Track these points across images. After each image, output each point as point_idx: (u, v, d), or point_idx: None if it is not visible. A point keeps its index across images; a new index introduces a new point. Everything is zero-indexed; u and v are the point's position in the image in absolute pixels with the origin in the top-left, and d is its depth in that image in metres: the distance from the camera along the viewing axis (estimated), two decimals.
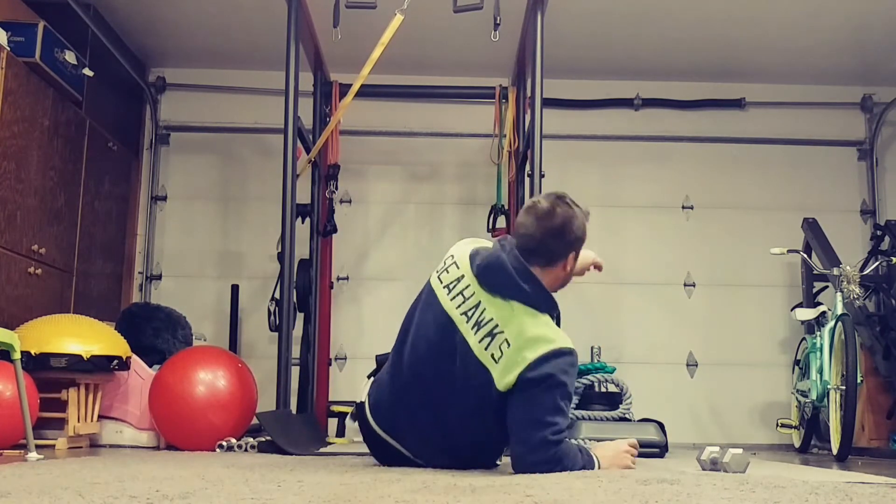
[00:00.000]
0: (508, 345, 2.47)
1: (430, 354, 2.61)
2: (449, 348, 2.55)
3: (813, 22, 5.20)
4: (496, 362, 2.48)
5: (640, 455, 3.43)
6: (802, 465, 3.83)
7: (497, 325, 2.50)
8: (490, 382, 2.48)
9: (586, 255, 2.87)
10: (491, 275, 2.56)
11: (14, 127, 4.15)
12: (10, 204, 4.13)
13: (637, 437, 2.92)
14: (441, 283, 2.67)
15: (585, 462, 2.48)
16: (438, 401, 2.59)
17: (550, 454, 2.41)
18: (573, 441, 2.73)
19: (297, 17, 4.23)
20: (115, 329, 4.48)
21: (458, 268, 2.65)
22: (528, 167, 4.32)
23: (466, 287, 2.59)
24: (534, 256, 2.58)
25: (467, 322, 2.54)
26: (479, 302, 2.55)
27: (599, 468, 2.49)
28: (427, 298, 2.70)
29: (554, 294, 2.63)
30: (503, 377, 2.47)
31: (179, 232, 5.91)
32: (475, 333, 2.52)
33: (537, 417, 2.43)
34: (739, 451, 2.73)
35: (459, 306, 2.57)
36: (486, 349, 2.50)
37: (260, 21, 5.20)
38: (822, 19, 5.17)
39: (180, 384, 4.01)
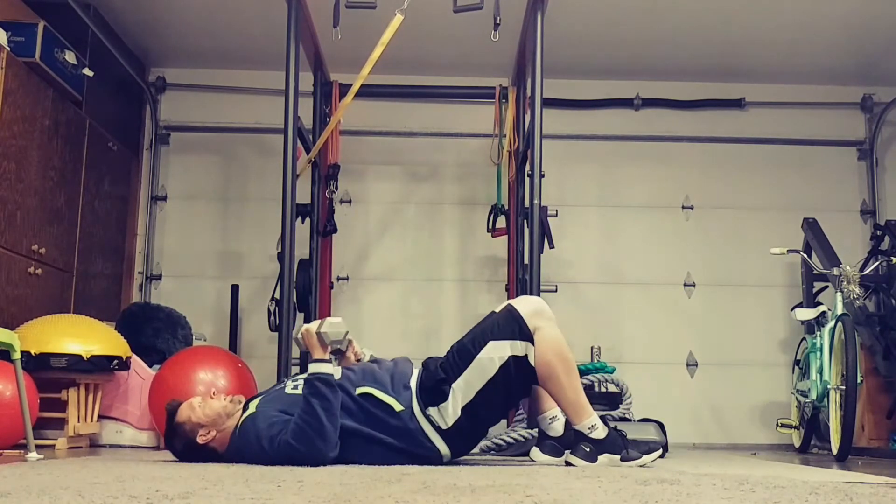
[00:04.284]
0: None
1: None
2: None
3: (813, 22, 5.20)
4: None
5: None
6: (802, 465, 3.82)
7: None
8: None
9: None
10: None
11: (14, 127, 4.16)
12: (10, 204, 4.13)
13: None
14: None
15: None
16: None
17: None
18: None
19: (297, 17, 4.23)
20: (115, 329, 4.48)
21: None
22: (528, 167, 4.32)
23: None
24: None
25: None
26: None
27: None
28: None
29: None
30: None
31: (179, 232, 5.91)
32: None
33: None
34: (338, 319, 2.84)
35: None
36: None
37: (260, 21, 5.21)
38: (822, 19, 5.17)
39: (180, 384, 4.01)
